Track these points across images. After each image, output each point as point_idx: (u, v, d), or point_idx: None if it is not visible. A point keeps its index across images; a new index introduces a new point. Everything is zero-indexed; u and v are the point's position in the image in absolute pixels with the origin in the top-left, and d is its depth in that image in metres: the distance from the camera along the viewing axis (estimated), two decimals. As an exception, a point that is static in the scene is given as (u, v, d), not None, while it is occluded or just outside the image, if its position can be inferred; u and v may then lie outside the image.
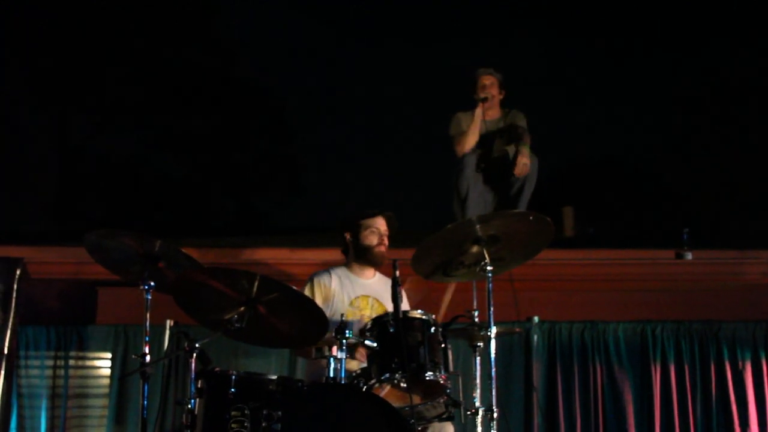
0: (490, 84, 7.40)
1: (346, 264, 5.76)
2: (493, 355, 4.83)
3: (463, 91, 7.55)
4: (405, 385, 4.57)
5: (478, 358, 4.99)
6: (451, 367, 4.73)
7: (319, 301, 5.45)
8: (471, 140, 7.23)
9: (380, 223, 5.67)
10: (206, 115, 20.27)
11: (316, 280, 5.62)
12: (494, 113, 7.41)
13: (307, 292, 5.55)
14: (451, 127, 7.45)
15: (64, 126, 19.40)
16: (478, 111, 7.27)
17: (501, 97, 7.46)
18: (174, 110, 19.98)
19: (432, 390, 4.72)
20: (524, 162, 7.03)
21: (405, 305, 5.47)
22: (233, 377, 4.34)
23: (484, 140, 7.37)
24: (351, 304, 5.54)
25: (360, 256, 5.69)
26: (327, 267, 5.78)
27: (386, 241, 5.66)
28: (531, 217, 4.91)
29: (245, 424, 4.09)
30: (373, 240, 5.64)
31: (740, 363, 6.71)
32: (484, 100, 7.30)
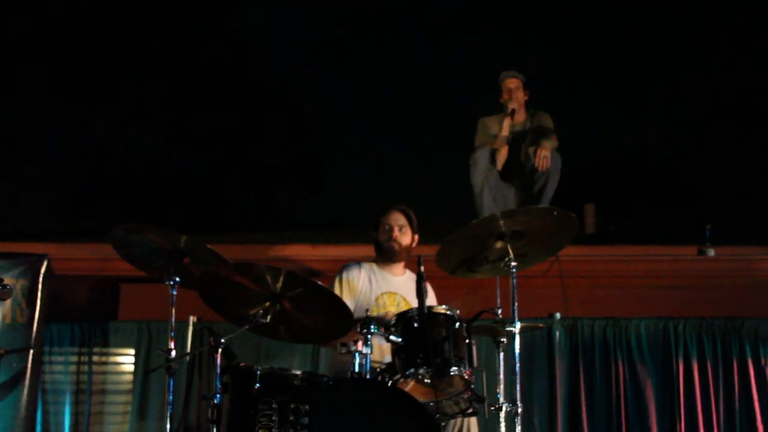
0: (515, 87, 7.39)
1: (376, 260, 5.80)
2: (517, 351, 4.83)
3: (482, 89, 7.57)
4: (429, 381, 4.58)
5: (502, 354, 4.99)
6: (475, 363, 4.74)
7: (346, 295, 5.49)
8: (503, 154, 7.27)
9: (392, 218, 5.71)
10: (226, 112, 20.34)
11: (345, 275, 5.64)
12: (520, 116, 7.39)
13: (335, 284, 5.60)
14: (477, 135, 7.46)
15: (85, 124, 19.50)
16: (506, 124, 7.27)
17: (526, 98, 7.44)
18: (194, 107, 20.05)
19: (452, 386, 4.73)
20: (544, 155, 7.02)
21: (430, 300, 5.50)
22: (258, 372, 4.36)
23: (511, 144, 7.38)
24: (377, 300, 5.56)
25: (378, 252, 5.76)
26: (358, 261, 5.80)
27: (397, 235, 5.67)
28: (555, 213, 4.92)
29: (273, 418, 4.11)
30: (384, 235, 5.70)
31: (763, 360, 6.67)
32: (512, 113, 7.29)
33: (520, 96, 7.39)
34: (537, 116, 7.42)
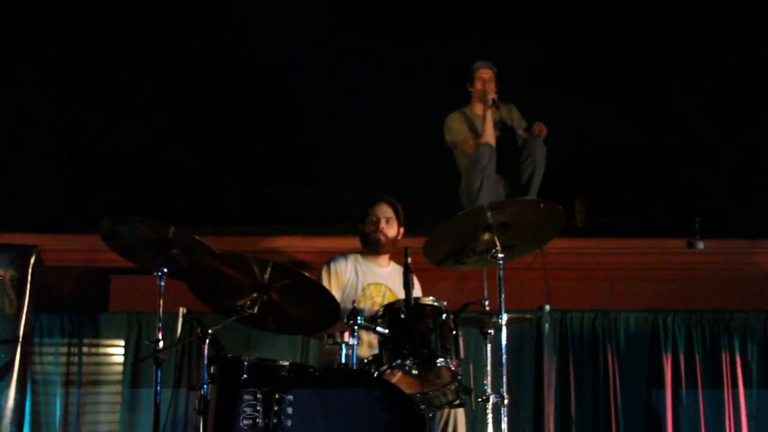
0: (488, 78, 7.37)
1: (361, 251, 5.83)
2: (504, 343, 4.85)
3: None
4: (416, 372, 4.59)
5: (489, 346, 5.01)
6: (462, 354, 4.75)
7: (333, 286, 5.53)
8: (489, 140, 7.24)
9: (379, 210, 5.77)
10: (218, 105, 20.29)
11: (332, 266, 5.68)
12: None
13: (323, 275, 5.64)
14: (451, 133, 7.41)
15: (77, 116, 19.45)
16: (489, 116, 7.23)
17: (496, 91, 7.43)
18: (186, 100, 19.99)
19: (439, 377, 4.74)
20: (541, 127, 7.12)
21: (417, 292, 5.52)
22: (245, 363, 4.36)
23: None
24: (364, 291, 5.59)
25: (363, 243, 5.81)
26: (344, 253, 5.84)
27: (383, 227, 5.73)
28: (542, 205, 4.92)
29: (257, 408, 4.12)
30: (370, 227, 5.75)
31: (750, 353, 6.70)
32: (494, 102, 7.27)
33: (492, 87, 7.36)
34: (511, 111, 7.46)
